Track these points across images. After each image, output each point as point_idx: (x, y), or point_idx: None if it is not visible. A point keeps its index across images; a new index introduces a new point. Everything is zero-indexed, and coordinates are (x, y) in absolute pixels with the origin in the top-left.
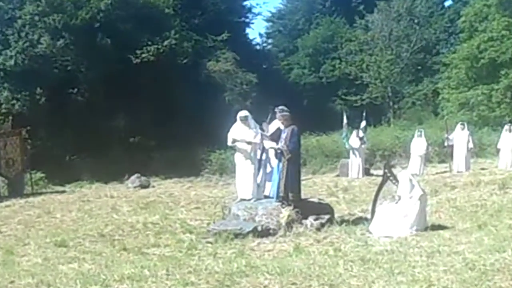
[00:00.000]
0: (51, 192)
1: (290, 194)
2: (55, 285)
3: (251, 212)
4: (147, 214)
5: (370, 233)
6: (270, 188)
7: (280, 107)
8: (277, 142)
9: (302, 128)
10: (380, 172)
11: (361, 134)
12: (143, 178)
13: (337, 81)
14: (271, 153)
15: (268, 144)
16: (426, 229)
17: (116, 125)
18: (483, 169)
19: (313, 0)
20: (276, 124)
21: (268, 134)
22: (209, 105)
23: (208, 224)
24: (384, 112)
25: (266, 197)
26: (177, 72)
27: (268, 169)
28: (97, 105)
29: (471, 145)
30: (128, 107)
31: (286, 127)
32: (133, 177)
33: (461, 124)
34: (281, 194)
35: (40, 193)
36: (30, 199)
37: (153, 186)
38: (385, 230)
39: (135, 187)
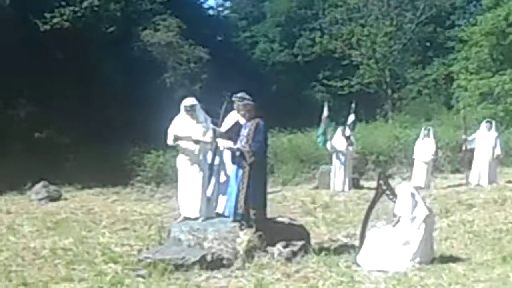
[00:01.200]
0: None
1: (251, 212)
2: None
3: (198, 235)
4: (57, 236)
5: (358, 265)
6: (225, 204)
7: (240, 94)
8: (235, 141)
9: (270, 122)
10: (373, 184)
11: (348, 132)
12: (52, 187)
13: (317, 61)
14: (227, 156)
15: (223, 143)
16: (432, 261)
17: (15, 115)
18: (510, 182)
19: None
20: (235, 116)
21: (223, 130)
22: (144, 90)
23: (140, 251)
24: (379, 104)
25: (218, 215)
26: (100, 44)
27: (223, 178)
28: None
29: (498, 150)
30: (33, 91)
31: (248, 120)
32: (38, 186)
33: (487, 122)
34: (240, 212)
35: None
36: None
37: (66, 199)
38: (378, 263)
39: (40, 199)
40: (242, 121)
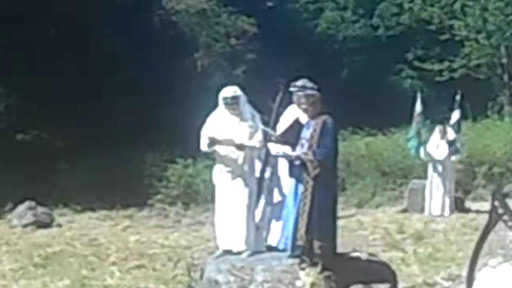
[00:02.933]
0: None
1: (316, 244)
2: None
3: (243, 276)
4: (48, 277)
5: None
6: (280, 233)
7: (300, 82)
8: (293, 147)
9: (341, 120)
10: (484, 206)
11: (451, 135)
12: (40, 209)
13: (406, 35)
14: (283, 167)
15: (276, 149)
16: None
17: None
18: None
19: None
20: (293, 113)
21: (277, 131)
22: (167, 76)
23: None
24: (493, 95)
25: (270, 248)
26: (107, 13)
27: (276, 198)
28: None
29: None
30: (15, 78)
31: (311, 118)
32: (21, 208)
33: None
34: (300, 244)
35: None
36: None
37: (59, 225)
38: None
39: (25, 225)
40: (304, 118)
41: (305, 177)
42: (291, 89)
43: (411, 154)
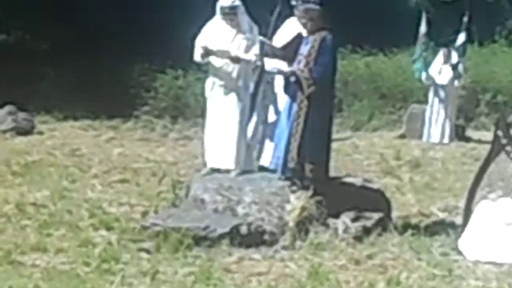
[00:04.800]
0: None
1: (307, 167)
2: None
3: (230, 196)
4: (26, 186)
5: (459, 253)
6: (272, 153)
7: None
8: (290, 62)
9: (340, 38)
10: (486, 135)
11: (455, 58)
12: (21, 114)
13: None
14: (278, 84)
15: (272, 64)
16: None
17: None
18: None
19: None
20: (292, 27)
21: (275, 45)
22: None
23: (144, 214)
24: (501, 19)
25: (262, 169)
26: None
27: (271, 116)
28: None
29: None
30: None
31: (310, 33)
32: (1, 112)
33: None
34: (291, 166)
35: None
36: None
37: (40, 133)
38: (489, 251)
39: (4, 131)
40: (303, 33)
41: (300, 95)
42: (292, 2)
43: (415, 77)
